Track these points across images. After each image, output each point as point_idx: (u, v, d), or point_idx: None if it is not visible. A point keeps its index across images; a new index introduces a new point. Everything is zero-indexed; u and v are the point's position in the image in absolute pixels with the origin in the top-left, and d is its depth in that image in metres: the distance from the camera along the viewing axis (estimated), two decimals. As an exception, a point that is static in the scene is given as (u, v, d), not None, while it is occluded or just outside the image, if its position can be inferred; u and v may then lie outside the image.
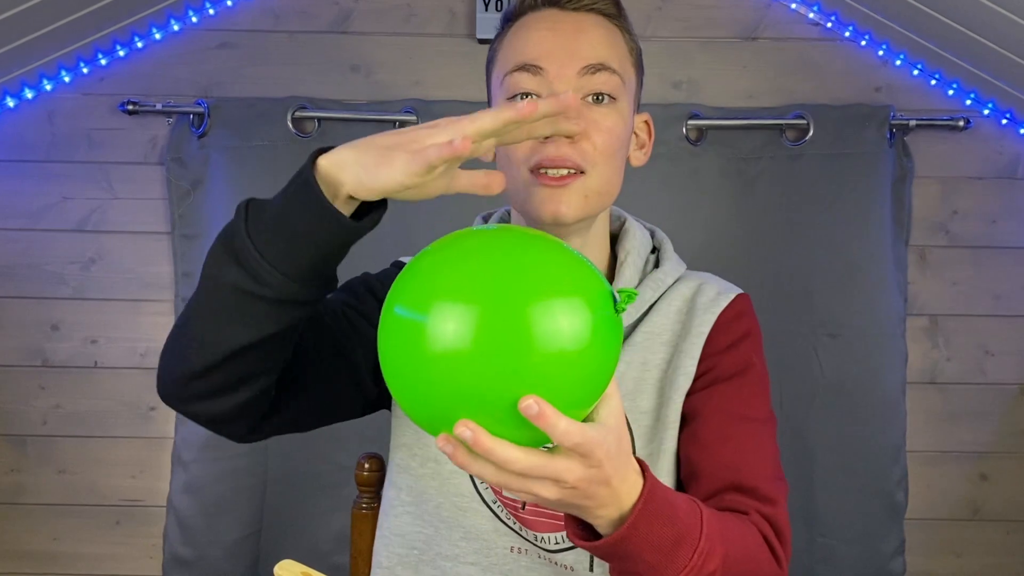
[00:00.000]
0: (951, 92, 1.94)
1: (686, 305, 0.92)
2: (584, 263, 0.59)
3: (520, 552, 0.89)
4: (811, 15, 1.95)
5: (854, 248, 1.90)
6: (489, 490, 0.89)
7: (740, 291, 0.95)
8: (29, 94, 1.92)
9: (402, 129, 0.68)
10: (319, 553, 1.90)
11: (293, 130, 1.89)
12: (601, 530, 0.67)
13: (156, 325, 1.98)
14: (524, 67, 0.85)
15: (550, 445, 0.58)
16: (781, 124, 1.92)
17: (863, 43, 1.95)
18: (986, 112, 1.93)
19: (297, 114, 1.90)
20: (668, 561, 0.68)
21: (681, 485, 0.89)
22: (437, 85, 1.95)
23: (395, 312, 0.57)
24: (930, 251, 1.98)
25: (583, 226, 0.89)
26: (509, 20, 0.91)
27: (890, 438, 1.92)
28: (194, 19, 1.93)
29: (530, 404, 0.54)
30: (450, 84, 1.94)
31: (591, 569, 0.87)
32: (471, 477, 0.89)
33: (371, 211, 0.69)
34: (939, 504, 2.00)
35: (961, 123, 1.91)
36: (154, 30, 1.92)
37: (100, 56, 1.92)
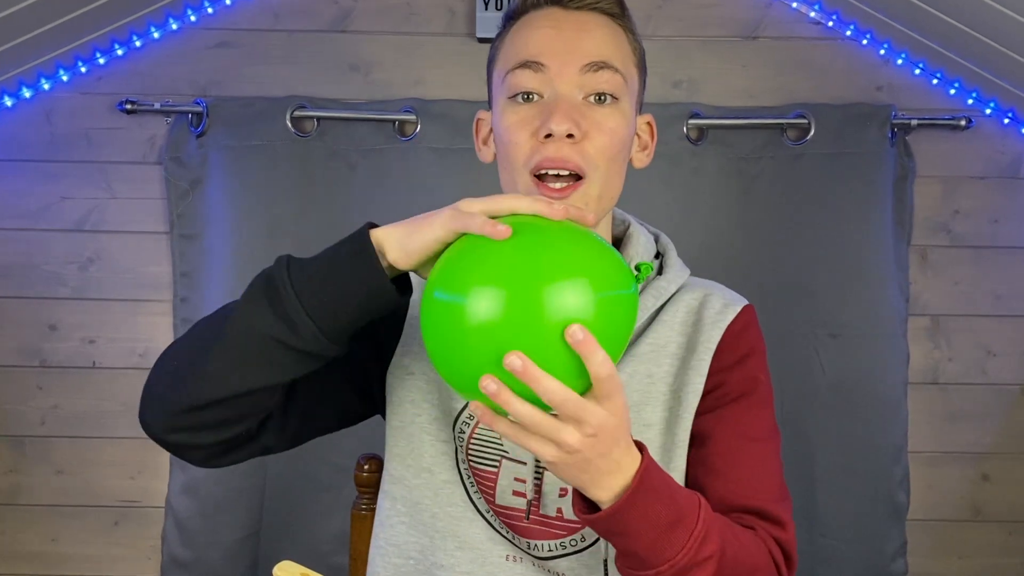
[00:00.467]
0: (953, 91, 1.93)
1: (691, 317, 0.91)
2: (600, 247, 0.68)
3: (515, 560, 0.89)
4: (812, 14, 1.95)
5: (855, 248, 1.89)
6: (483, 499, 0.89)
7: (745, 302, 0.94)
8: (27, 93, 1.91)
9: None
10: (318, 554, 1.90)
11: (292, 129, 1.89)
12: (603, 504, 0.70)
13: (155, 325, 1.97)
14: (526, 64, 0.84)
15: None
16: (782, 123, 1.92)
17: (864, 42, 1.94)
18: (988, 111, 1.92)
19: (296, 113, 1.89)
20: (665, 541, 0.71)
21: None
22: (437, 84, 1.94)
23: (435, 296, 0.66)
24: (932, 251, 1.98)
25: None
26: (511, 18, 0.90)
27: (891, 438, 1.91)
28: (192, 18, 1.92)
29: (575, 331, 0.61)
30: (450, 83, 1.94)
31: None
32: (464, 486, 0.89)
33: (406, 289, 0.76)
34: (941, 505, 1.99)
35: (963, 122, 1.90)
36: (152, 29, 1.92)
37: (98, 55, 1.91)
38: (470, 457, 0.88)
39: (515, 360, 0.61)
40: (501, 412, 0.66)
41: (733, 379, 0.89)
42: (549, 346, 0.63)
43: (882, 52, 1.94)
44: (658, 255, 0.97)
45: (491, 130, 0.93)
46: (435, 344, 0.67)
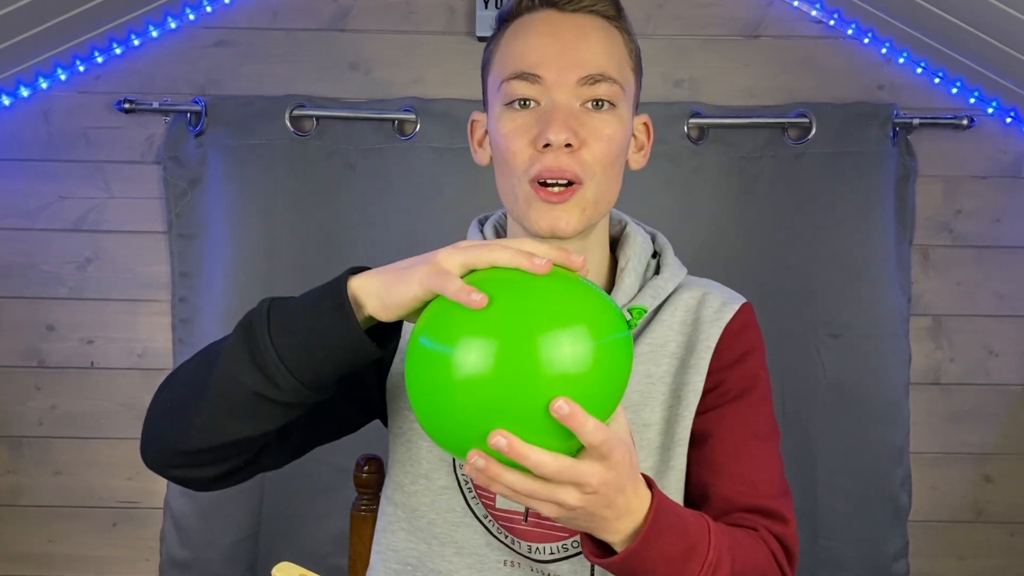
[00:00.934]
0: (954, 90, 1.93)
1: (690, 316, 0.91)
2: (591, 292, 0.65)
3: (513, 566, 0.89)
4: (813, 13, 1.94)
5: (857, 248, 1.89)
6: (480, 504, 0.88)
7: (743, 300, 0.94)
8: (25, 92, 1.90)
9: (424, 254, 0.69)
10: (317, 555, 1.89)
11: (291, 128, 1.88)
12: (616, 547, 0.70)
13: (153, 325, 1.96)
14: (522, 75, 0.84)
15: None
16: (783, 123, 1.91)
17: (866, 41, 1.93)
18: (990, 111, 1.92)
19: (295, 112, 1.88)
20: (679, 574, 0.71)
21: (689, 502, 0.89)
22: (436, 83, 1.94)
23: (421, 343, 0.63)
24: (933, 250, 1.97)
25: (582, 233, 0.87)
26: (505, 20, 0.89)
27: (893, 439, 1.91)
28: (191, 17, 1.92)
29: (561, 405, 0.59)
30: (449, 82, 1.93)
31: None
32: (462, 492, 0.89)
33: (391, 335, 0.74)
34: (942, 506, 1.98)
35: (964, 122, 1.90)
36: (151, 28, 1.91)
37: (96, 54, 1.91)
38: None
39: (500, 440, 0.60)
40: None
41: (733, 377, 0.89)
42: (541, 406, 0.60)
43: (884, 51, 1.93)
44: (655, 254, 0.97)
45: (486, 132, 0.92)
46: (419, 396, 0.64)
